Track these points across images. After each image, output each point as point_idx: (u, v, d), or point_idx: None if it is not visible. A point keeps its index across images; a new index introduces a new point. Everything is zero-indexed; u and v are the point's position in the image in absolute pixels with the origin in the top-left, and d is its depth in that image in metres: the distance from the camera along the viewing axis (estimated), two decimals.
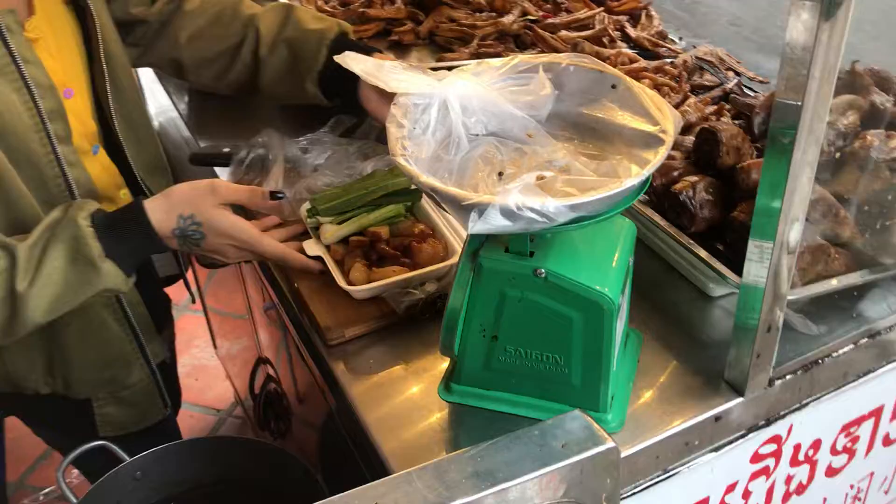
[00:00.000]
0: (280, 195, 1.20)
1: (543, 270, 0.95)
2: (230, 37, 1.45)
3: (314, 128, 1.56)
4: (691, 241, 1.20)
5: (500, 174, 0.99)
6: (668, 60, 1.66)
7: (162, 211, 1.11)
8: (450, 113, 1.02)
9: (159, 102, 1.87)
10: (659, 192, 1.26)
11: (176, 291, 1.66)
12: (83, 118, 1.26)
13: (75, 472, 1.79)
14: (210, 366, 2.84)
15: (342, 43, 1.40)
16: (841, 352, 1.15)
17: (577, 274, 0.95)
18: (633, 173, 0.90)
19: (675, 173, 1.27)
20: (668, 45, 1.73)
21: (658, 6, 1.92)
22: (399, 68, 1.02)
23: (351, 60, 1.05)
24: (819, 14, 0.78)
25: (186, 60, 1.48)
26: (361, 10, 1.75)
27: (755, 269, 0.97)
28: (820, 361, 1.14)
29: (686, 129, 1.40)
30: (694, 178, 1.23)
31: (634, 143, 0.99)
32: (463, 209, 0.87)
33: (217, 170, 1.53)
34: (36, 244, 1.07)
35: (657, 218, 1.25)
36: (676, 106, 1.46)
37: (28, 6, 1.16)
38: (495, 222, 0.86)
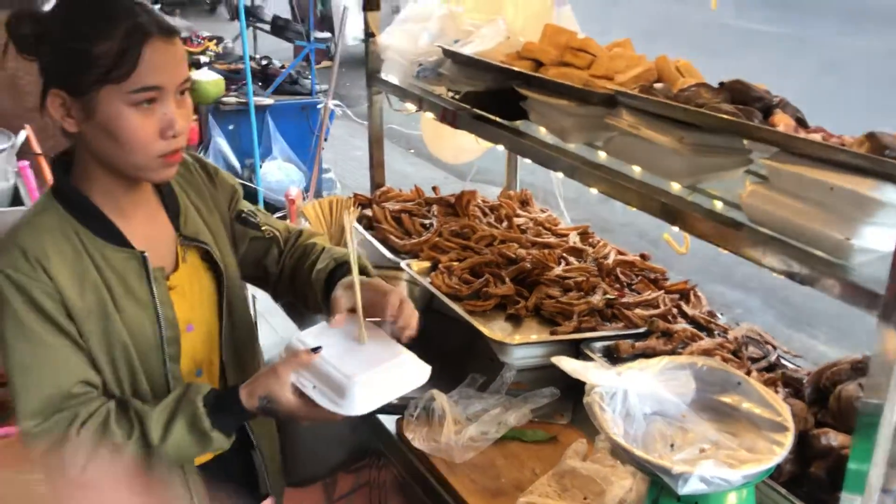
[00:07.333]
0: (318, 349, 1.55)
1: None
2: None
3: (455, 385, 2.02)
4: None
5: (672, 445, 1.43)
6: (721, 336, 2.17)
7: (247, 395, 1.53)
8: (628, 398, 1.48)
9: None
10: None
11: None
12: (196, 348, 1.69)
13: None
14: None
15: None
16: None
17: None
18: (776, 451, 1.36)
19: None
20: (716, 322, 2.25)
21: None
22: (595, 367, 1.49)
23: (564, 363, 1.51)
24: None
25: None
26: (482, 288, 2.25)
27: None
28: None
29: None
30: None
31: (762, 427, 1.45)
32: (672, 476, 1.30)
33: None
34: (164, 410, 1.49)
35: None
36: None
37: (175, 263, 1.64)
38: (695, 486, 1.29)
